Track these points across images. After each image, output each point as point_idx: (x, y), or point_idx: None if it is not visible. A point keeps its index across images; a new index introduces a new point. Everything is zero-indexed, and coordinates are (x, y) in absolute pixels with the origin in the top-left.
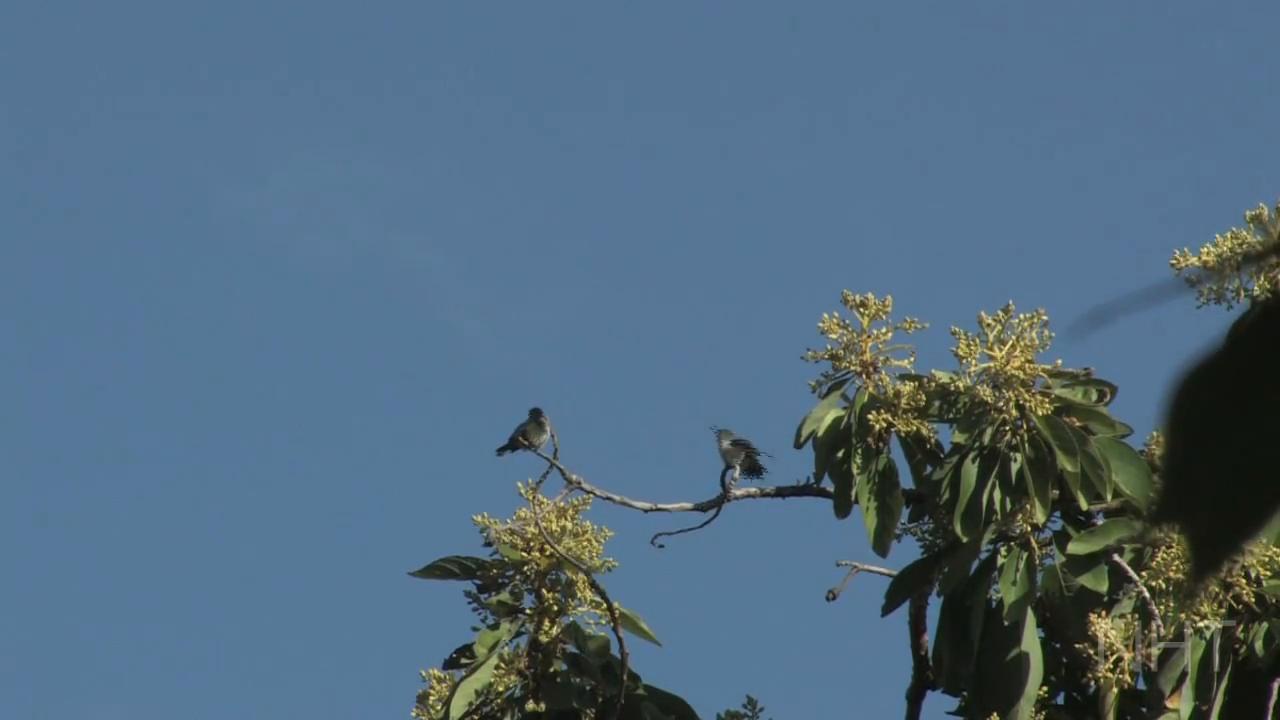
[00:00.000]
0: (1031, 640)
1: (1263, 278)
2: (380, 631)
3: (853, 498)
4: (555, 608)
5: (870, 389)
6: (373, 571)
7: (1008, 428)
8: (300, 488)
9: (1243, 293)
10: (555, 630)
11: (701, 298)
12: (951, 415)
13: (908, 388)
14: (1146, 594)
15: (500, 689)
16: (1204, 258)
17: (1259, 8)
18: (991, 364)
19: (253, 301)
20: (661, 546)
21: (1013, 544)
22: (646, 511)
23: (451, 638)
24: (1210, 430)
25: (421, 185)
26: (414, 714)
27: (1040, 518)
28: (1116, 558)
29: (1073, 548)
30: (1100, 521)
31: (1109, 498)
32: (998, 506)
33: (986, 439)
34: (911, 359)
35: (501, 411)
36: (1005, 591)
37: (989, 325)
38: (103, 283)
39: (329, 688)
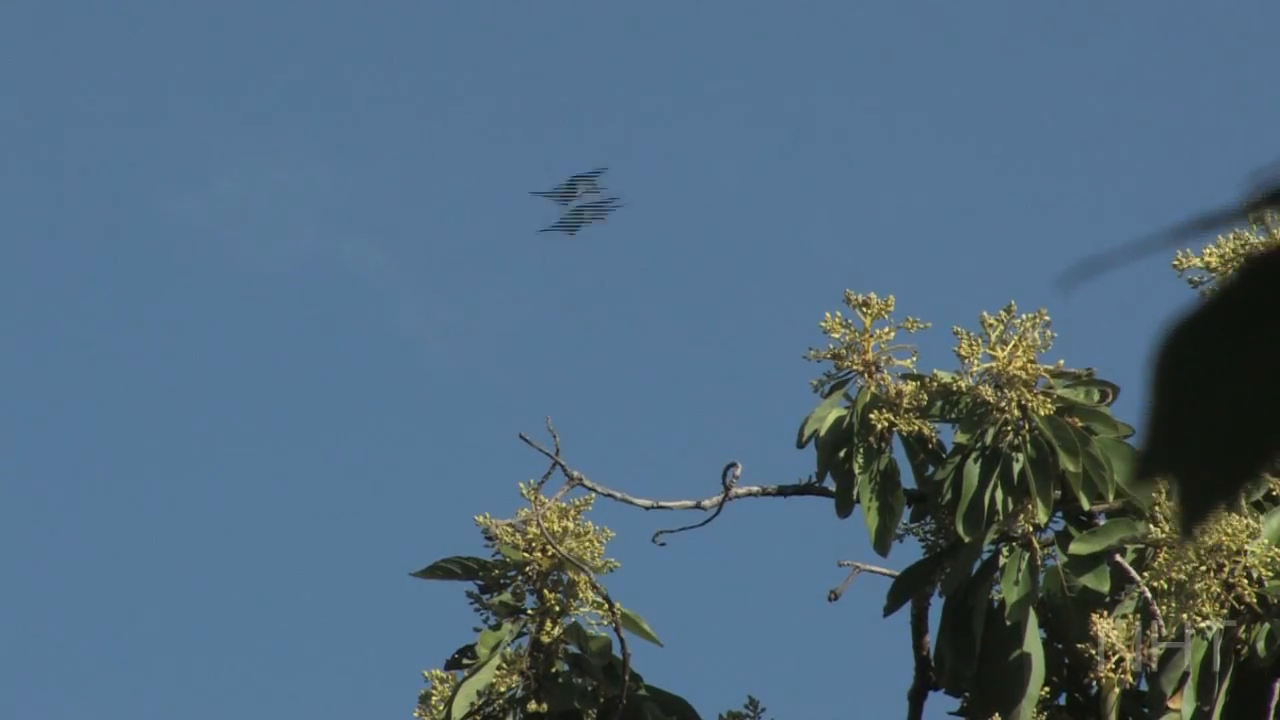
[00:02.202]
0: (1033, 641)
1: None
2: (382, 632)
3: (854, 497)
4: (557, 608)
5: (872, 388)
6: (374, 572)
7: (1010, 428)
8: (284, 489)
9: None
10: (557, 631)
11: (665, 298)
12: (953, 415)
13: (910, 387)
14: (1148, 594)
15: (502, 689)
16: (1206, 259)
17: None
18: (994, 364)
19: (200, 309)
20: (663, 544)
21: (1015, 544)
22: (648, 509)
23: (453, 638)
24: (1197, 383)
25: (368, 189)
26: (416, 714)
27: (1042, 518)
28: (1118, 558)
29: (1074, 548)
30: (1102, 522)
31: (1111, 498)
32: (1000, 507)
33: (988, 439)
34: (914, 359)
35: (456, 415)
36: (1007, 592)
37: (991, 325)
38: (43, 291)
39: (330, 688)
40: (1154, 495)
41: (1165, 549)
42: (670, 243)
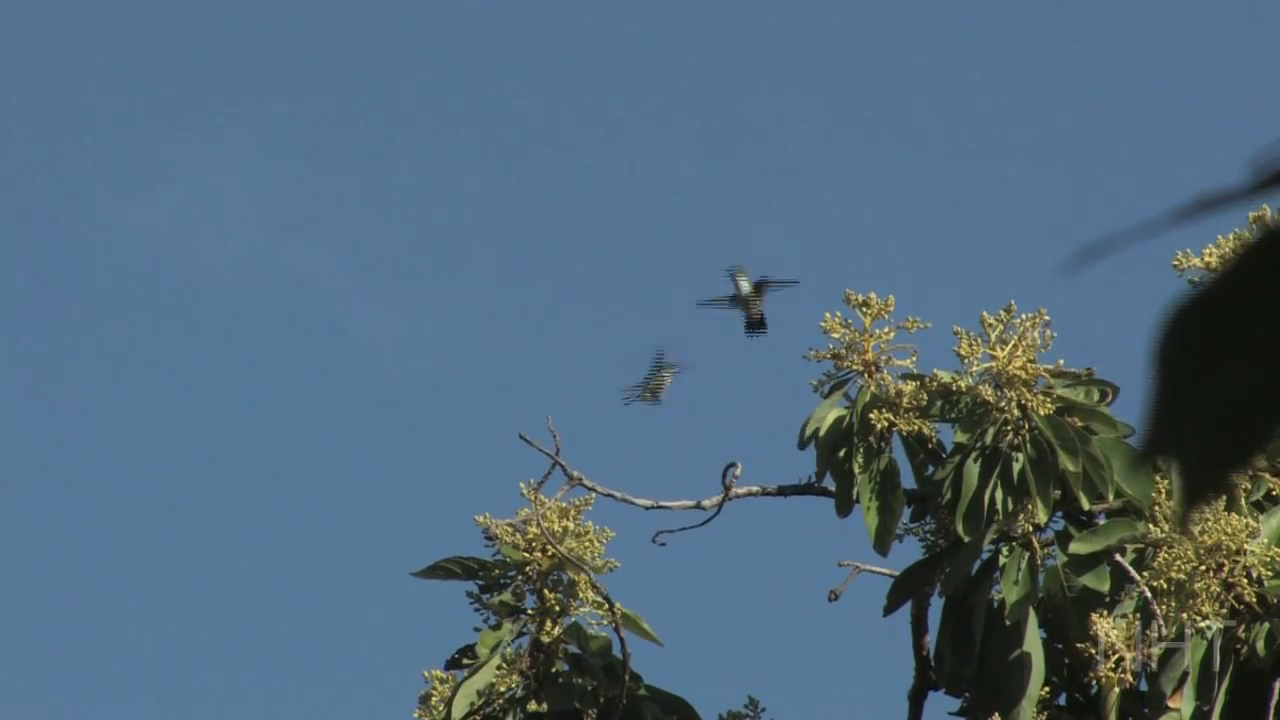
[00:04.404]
0: (1033, 640)
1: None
2: (382, 632)
3: (854, 497)
4: (557, 608)
5: (872, 388)
6: (374, 572)
7: (1010, 428)
8: (265, 491)
9: None
10: (557, 631)
11: (661, 297)
12: (953, 415)
13: (910, 387)
14: (1148, 594)
15: (502, 689)
16: (1206, 259)
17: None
18: (993, 364)
19: (155, 318)
20: (663, 544)
21: (1014, 544)
22: (648, 509)
23: (453, 638)
24: (1200, 364)
25: (316, 191)
26: (416, 714)
27: (1042, 518)
28: (1118, 558)
29: (1074, 548)
30: (1102, 521)
31: (1110, 498)
32: (999, 506)
33: (988, 439)
34: (914, 359)
35: (409, 417)
36: (1007, 592)
37: (991, 325)
38: None
39: (331, 688)
40: (1154, 495)
41: (1165, 548)
42: (666, 241)
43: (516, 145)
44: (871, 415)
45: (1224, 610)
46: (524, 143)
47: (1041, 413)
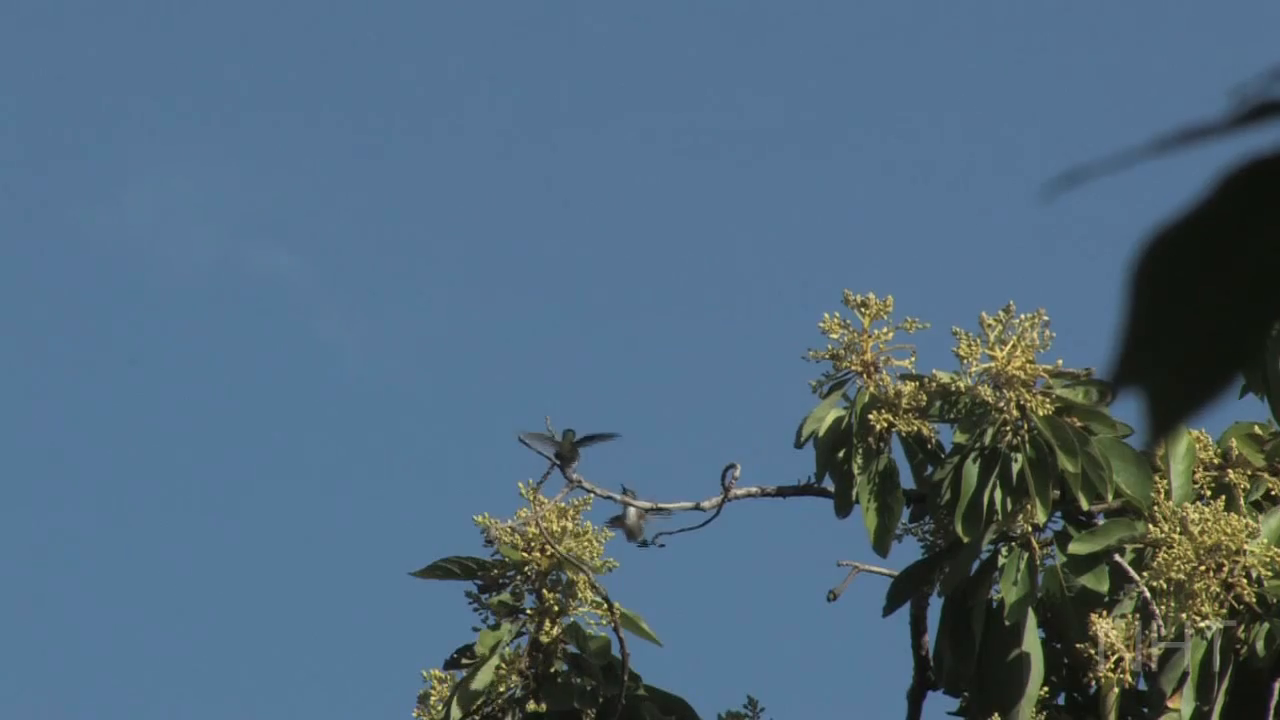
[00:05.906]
0: (1032, 641)
1: None
2: (381, 632)
3: (853, 498)
4: (556, 608)
5: (871, 389)
6: (373, 572)
7: (1009, 428)
8: (254, 493)
9: None
10: (556, 631)
11: (660, 296)
12: (952, 415)
13: (909, 388)
14: (1147, 594)
15: (501, 689)
16: None
17: None
18: (992, 364)
19: (118, 321)
20: (662, 545)
21: (1013, 544)
22: (647, 510)
23: (453, 638)
24: (1174, 294)
25: (279, 195)
26: (415, 714)
27: (1041, 518)
28: (1117, 558)
29: (1074, 548)
30: (1101, 522)
31: (1110, 498)
32: (999, 507)
33: (987, 439)
34: (913, 359)
35: (380, 420)
36: (1006, 592)
37: (990, 325)
38: None
39: (330, 688)
40: (1153, 495)
41: (1164, 549)
42: (636, 241)
43: (483, 146)
44: (870, 416)
45: (1224, 610)
46: (490, 143)
47: (1040, 413)
